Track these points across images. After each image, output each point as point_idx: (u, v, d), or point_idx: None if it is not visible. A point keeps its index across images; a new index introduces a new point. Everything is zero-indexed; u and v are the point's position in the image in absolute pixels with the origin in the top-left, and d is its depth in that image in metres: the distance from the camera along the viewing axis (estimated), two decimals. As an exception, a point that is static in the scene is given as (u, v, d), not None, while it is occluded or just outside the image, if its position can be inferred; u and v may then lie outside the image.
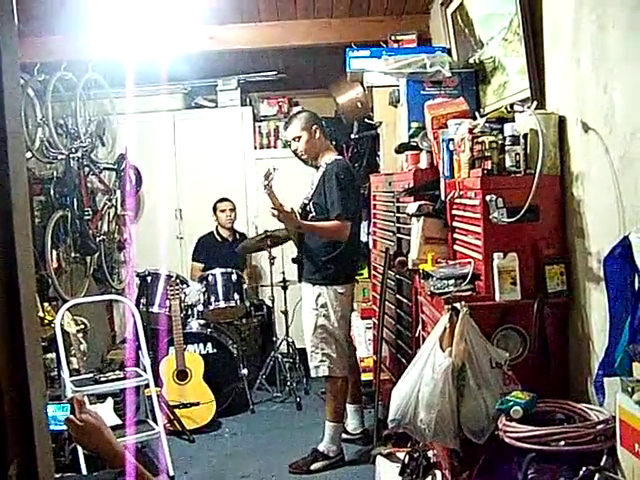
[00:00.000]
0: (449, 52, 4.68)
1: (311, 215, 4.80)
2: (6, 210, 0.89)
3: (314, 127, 4.84)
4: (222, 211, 7.04)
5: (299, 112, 5.19)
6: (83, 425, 1.92)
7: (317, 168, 4.89)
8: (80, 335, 5.32)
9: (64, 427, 1.91)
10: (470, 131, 3.14)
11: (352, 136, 6.27)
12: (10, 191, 0.90)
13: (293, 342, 6.68)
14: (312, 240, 4.86)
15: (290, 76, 7.33)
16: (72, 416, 1.91)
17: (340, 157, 4.97)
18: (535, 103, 3.08)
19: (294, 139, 4.89)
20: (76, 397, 1.95)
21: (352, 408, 5.20)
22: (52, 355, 5.09)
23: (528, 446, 2.40)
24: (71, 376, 4.82)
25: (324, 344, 4.80)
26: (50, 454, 1.00)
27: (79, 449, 4.32)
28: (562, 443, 2.34)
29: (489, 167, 2.99)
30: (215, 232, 7.13)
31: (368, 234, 5.79)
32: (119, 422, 4.85)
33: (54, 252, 6.03)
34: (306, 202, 4.88)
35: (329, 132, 6.40)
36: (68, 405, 1.94)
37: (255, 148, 7.57)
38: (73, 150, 6.39)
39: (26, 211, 0.99)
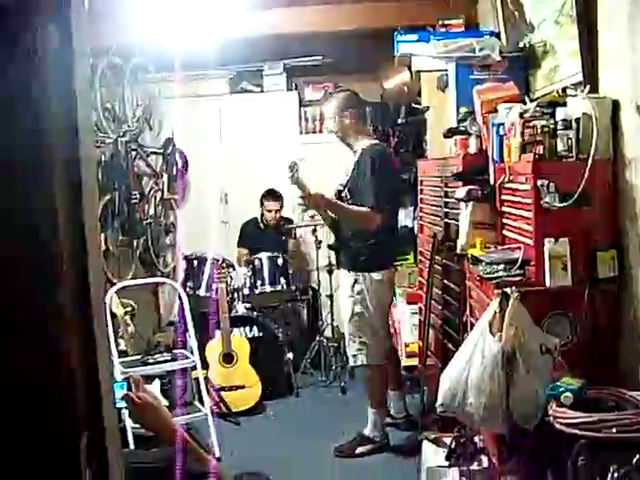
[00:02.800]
0: (497, 36, 4.63)
1: (346, 201, 4.78)
2: (77, 193, 0.91)
3: (349, 110, 4.81)
4: (268, 211, 6.98)
5: (340, 91, 5.16)
6: (141, 403, 1.95)
7: (354, 152, 4.86)
8: (128, 317, 5.39)
9: (121, 404, 1.94)
10: (521, 115, 3.11)
11: (399, 121, 6.23)
12: (81, 175, 0.91)
13: (338, 327, 6.68)
14: (348, 227, 4.86)
15: (336, 61, 7.30)
16: (131, 393, 1.95)
17: (377, 142, 4.92)
18: (588, 87, 3.04)
19: (330, 117, 4.89)
20: (133, 376, 1.98)
21: (393, 394, 5.19)
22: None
23: (579, 432, 2.38)
24: (119, 357, 4.89)
25: (361, 332, 4.79)
26: (116, 428, 1.03)
27: (128, 427, 4.38)
28: (614, 430, 2.32)
29: (540, 152, 2.97)
30: (260, 219, 7.13)
31: (414, 219, 5.77)
32: (166, 404, 4.91)
33: (102, 235, 6.09)
34: (341, 189, 4.85)
35: (375, 116, 6.39)
36: (124, 383, 1.97)
37: (300, 133, 7.57)
38: (121, 134, 6.45)
39: (94, 193, 1.01)
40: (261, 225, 7.09)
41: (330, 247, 5.16)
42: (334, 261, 6.42)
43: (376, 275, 4.73)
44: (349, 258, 4.86)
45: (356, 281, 4.77)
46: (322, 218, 5.09)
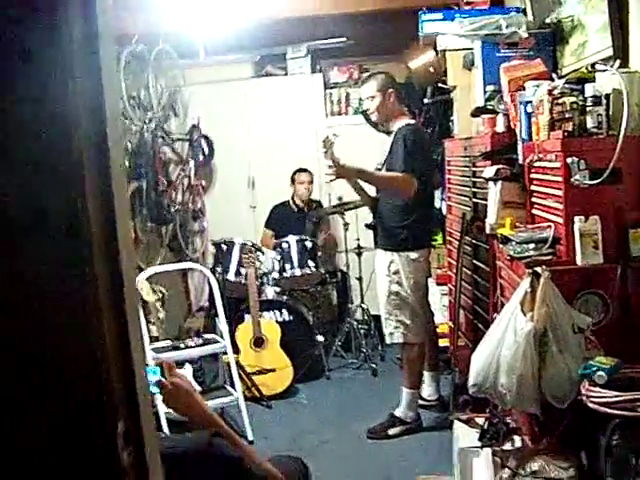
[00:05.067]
0: (524, 12, 4.57)
1: None
2: (107, 183, 0.91)
3: (389, 90, 4.82)
4: (300, 183, 7.02)
5: (378, 72, 5.16)
6: (174, 388, 1.96)
7: (389, 134, 4.89)
8: (158, 304, 5.42)
9: (153, 390, 1.95)
10: (550, 92, 3.07)
11: (425, 101, 6.19)
12: (110, 161, 0.91)
13: (368, 309, 6.68)
14: (385, 206, 4.87)
15: (360, 42, 7.26)
16: (164, 379, 1.96)
17: (413, 122, 4.95)
18: (618, 61, 2.99)
19: (368, 98, 4.89)
20: (165, 361, 1.99)
21: (429, 375, 5.19)
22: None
23: (613, 412, 2.36)
24: (151, 343, 4.92)
25: (398, 311, 4.81)
26: (151, 414, 1.03)
27: (161, 413, 4.42)
28: (649, 409, 2.30)
29: (570, 129, 2.92)
30: (291, 201, 7.14)
31: (442, 200, 5.75)
32: (198, 388, 4.94)
33: (130, 223, 6.12)
34: (379, 167, 4.89)
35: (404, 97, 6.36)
36: (157, 368, 1.98)
37: (326, 116, 7.56)
38: (146, 122, 6.48)
39: (123, 180, 1.01)
40: (293, 207, 7.10)
41: (367, 226, 5.17)
42: (363, 243, 6.44)
43: (412, 254, 4.75)
44: (386, 237, 4.87)
45: (392, 261, 4.79)
46: (358, 195, 5.08)
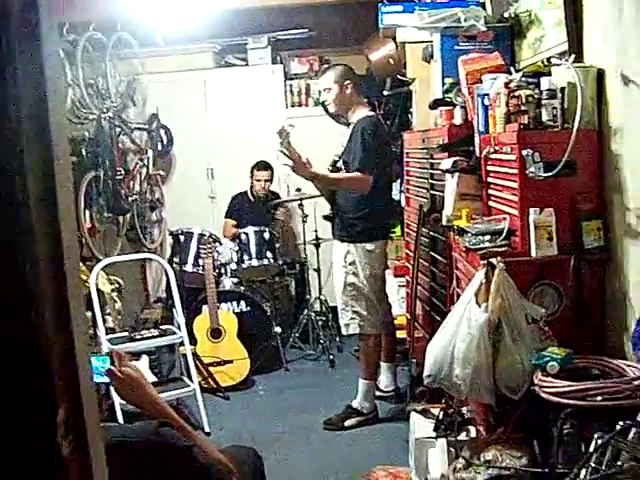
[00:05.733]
0: (483, 6, 4.60)
1: (342, 172, 4.81)
2: (48, 166, 0.89)
3: (346, 82, 4.83)
4: (258, 180, 7.00)
5: (336, 64, 5.19)
6: (124, 377, 1.94)
7: (349, 125, 4.91)
8: (115, 294, 5.36)
9: (103, 379, 1.93)
10: (506, 85, 3.09)
11: (384, 93, 6.20)
12: (52, 147, 0.89)
13: (326, 300, 6.69)
14: (342, 198, 4.89)
15: (321, 33, 7.25)
16: (114, 367, 1.93)
17: (372, 113, 4.98)
18: (573, 56, 3.02)
19: (325, 90, 4.91)
20: (115, 350, 1.97)
21: (385, 366, 5.22)
22: (88, 314, 5.12)
23: (564, 401, 2.39)
24: (107, 334, 4.87)
25: (354, 302, 4.83)
26: (95, 402, 1.02)
27: (117, 405, 4.38)
28: (599, 398, 2.33)
29: (525, 121, 2.95)
30: (249, 192, 7.12)
31: (401, 192, 5.77)
32: (155, 380, 4.91)
33: (87, 212, 6.06)
34: (336, 159, 4.90)
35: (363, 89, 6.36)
36: (107, 357, 1.95)
37: (286, 107, 7.53)
38: (104, 110, 6.39)
39: (68, 166, 0.99)
40: (251, 198, 7.08)
41: (325, 218, 5.19)
42: (321, 234, 6.44)
43: (368, 245, 4.77)
44: (342, 229, 4.89)
45: (348, 252, 4.81)
46: (317, 189, 5.08)
